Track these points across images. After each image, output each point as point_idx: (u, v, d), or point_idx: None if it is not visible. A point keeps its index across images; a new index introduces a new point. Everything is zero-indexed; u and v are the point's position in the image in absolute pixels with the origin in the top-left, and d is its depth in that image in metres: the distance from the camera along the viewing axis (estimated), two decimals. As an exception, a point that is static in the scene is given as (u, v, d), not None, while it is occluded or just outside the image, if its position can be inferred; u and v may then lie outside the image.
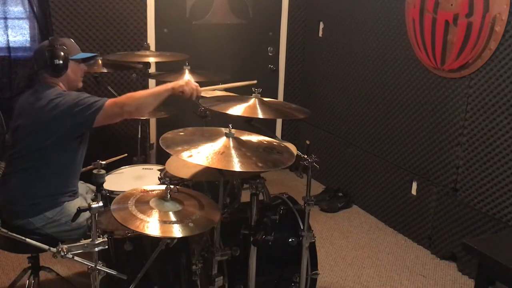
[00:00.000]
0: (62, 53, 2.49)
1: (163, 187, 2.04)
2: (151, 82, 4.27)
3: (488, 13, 2.98)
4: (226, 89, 2.87)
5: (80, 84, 2.66)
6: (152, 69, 4.06)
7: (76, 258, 1.78)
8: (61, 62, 2.48)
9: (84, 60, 2.65)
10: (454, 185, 3.36)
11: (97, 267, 1.84)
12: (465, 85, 3.22)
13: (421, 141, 3.60)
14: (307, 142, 4.91)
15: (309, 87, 4.88)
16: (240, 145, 2.04)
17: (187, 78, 2.67)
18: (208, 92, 2.78)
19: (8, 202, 2.48)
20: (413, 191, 3.71)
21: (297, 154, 2.29)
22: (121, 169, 3.00)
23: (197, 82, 3.25)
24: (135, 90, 3.95)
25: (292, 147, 2.29)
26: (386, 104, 3.89)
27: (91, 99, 2.40)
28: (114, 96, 3.65)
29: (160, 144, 2.00)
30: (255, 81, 2.77)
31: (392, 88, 3.82)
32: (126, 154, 3.05)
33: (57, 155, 2.45)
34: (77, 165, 2.58)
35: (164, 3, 4.30)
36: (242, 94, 2.60)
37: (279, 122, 5.03)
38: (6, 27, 3.79)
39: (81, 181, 2.84)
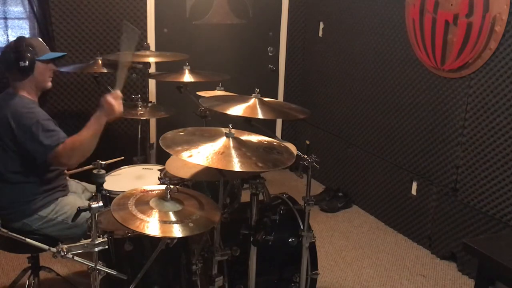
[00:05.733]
0: (28, 55, 2.41)
1: (163, 187, 2.04)
2: (151, 82, 4.27)
3: (488, 13, 2.98)
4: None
5: (49, 85, 2.58)
6: (152, 69, 4.06)
7: (76, 258, 1.78)
8: (26, 64, 2.41)
9: (52, 60, 2.57)
10: (454, 185, 3.36)
11: (97, 267, 1.84)
12: (465, 85, 3.22)
13: (421, 141, 3.60)
14: (307, 142, 4.93)
15: (309, 87, 4.88)
16: (240, 145, 2.04)
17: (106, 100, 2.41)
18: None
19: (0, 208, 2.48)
20: (413, 191, 3.71)
21: (297, 154, 2.29)
22: (121, 169, 3.00)
23: (197, 82, 3.28)
24: (135, 90, 4.04)
25: (292, 147, 2.29)
26: (386, 104, 3.89)
27: (47, 134, 2.34)
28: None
29: (160, 144, 2.00)
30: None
31: (392, 88, 3.81)
32: (122, 157, 3.04)
33: (27, 158, 2.42)
34: None
35: (164, 3, 4.30)
36: (242, 95, 2.60)
37: (279, 122, 5.03)
38: (6, 27, 3.79)
39: (76, 180, 2.84)
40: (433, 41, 3.38)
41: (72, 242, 1.81)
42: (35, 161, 2.41)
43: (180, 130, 2.19)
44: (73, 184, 2.78)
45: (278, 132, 5.04)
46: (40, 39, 2.62)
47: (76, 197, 2.65)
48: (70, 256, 1.76)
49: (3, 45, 3.81)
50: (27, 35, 3.89)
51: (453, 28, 3.23)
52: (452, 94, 3.32)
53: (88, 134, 2.35)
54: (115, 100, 2.38)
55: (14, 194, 2.45)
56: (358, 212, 4.26)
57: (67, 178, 2.73)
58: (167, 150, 1.97)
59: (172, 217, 1.90)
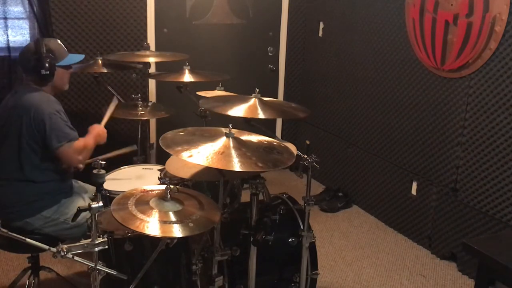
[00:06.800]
0: (48, 61, 2.40)
1: (163, 187, 2.04)
2: (151, 82, 4.27)
3: (488, 13, 2.98)
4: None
5: (67, 87, 2.62)
6: (152, 69, 4.06)
7: (76, 258, 1.78)
8: (47, 72, 2.40)
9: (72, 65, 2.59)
10: (454, 185, 3.36)
11: (97, 267, 1.84)
12: (465, 85, 3.22)
13: (421, 141, 3.60)
14: (307, 142, 4.93)
15: (309, 87, 4.87)
16: (240, 145, 2.04)
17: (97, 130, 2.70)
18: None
19: (2, 206, 2.47)
20: (413, 191, 3.71)
21: (297, 154, 2.29)
22: (121, 169, 3.00)
23: (197, 82, 3.28)
24: (135, 90, 4.04)
25: (292, 147, 2.29)
26: (386, 104, 3.89)
27: (67, 125, 2.45)
28: (113, 96, 3.65)
29: (160, 144, 2.00)
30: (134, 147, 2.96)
31: (392, 88, 3.82)
32: (135, 146, 3.04)
33: (37, 154, 2.44)
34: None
35: (164, 3, 4.30)
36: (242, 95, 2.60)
37: (279, 122, 5.03)
38: (6, 27, 3.79)
39: (79, 181, 2.84)
40: (433, 41, 3.38)
41: (72, 242, 1.81)
42: (46, 156, 2.42)
43: (180, 130, 2.20)
44: (77, 185, 2.78)
45: (278, 132, 5.04)
46: (59, 41, 2.58)
47: (79, 198, 2.65)
48: (70, 256, 1.76)
49: (4, 45, 3.80)
50: (27, 35, 3.89)
51: (453, 28, 3.23)
52: (452, 94, 3.32)
53: (92, 139, 2.55)
54: (103, 133, 2.67)
55: (18, 193, 2.45)
56: (358, 212, 4.26)
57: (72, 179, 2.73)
58: (167, 150, 1.97)
59: (172, 217, 1.90)
